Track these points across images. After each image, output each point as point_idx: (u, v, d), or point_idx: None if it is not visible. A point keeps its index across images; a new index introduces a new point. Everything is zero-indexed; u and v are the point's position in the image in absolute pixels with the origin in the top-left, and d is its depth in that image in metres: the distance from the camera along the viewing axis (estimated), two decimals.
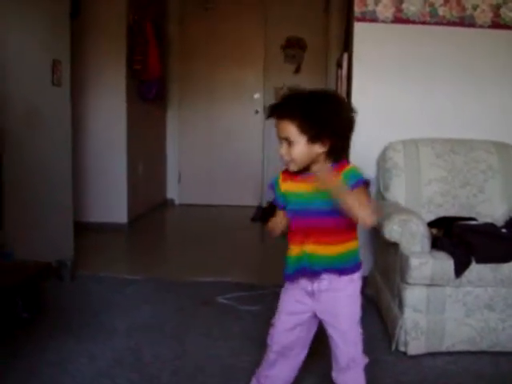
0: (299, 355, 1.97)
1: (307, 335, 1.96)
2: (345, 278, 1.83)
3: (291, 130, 1.69)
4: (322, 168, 1.74)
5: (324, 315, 1.88)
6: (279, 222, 1.87)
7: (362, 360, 1.91)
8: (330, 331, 1.88)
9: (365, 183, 1.73)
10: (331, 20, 6.41)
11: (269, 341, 1.96)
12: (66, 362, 2.44)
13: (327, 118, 1.69)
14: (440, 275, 2.50)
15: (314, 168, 1.76)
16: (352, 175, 1.72)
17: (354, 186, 1.68)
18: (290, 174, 1.82)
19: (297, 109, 1.69)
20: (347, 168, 1.74)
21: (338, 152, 1.76)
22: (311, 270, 1.82)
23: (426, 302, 2.57)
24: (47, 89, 3.44)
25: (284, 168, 1.84)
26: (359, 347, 1.90)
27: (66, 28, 3.62)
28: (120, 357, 2.52)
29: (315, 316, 1.92)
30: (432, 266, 2.49)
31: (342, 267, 1.83)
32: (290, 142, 1.71)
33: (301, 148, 1.70)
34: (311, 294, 1.87)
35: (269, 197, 6.13)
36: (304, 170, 1.78)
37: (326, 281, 1.82)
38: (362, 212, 1.64)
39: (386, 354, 2.63)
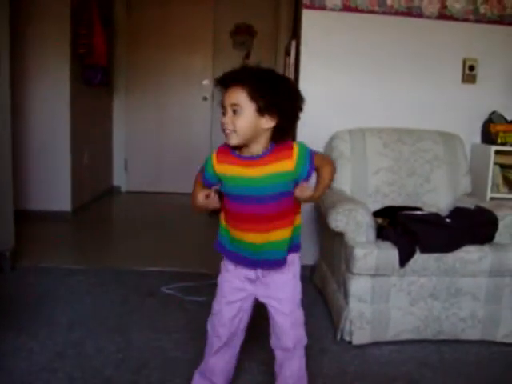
0: (239, 341, 1.98)
1: (247, 320, 1.97)
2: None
3: (241, 95, 1.62)
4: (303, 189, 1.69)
5: (268, 300, 1.89)
6: (205, 199, 1.78)
7: (305, 340, 1.93)
8: (276, 316, 1.88)
9: (313, 155, 1.73)
10: (281, 6, 6.36)
11: (210, 330, 1.95)
12: (4, 357, 2.35)
13: (279, 90, 1.64)
14: (384, 265, 2.51)
15: (254, 147, 1.70)
16: (304, 155, 1.70)
17: (310, 165, 1.71)
18: (226, 156, 1.74)
19: (250, 75, 1.64)
20: (296, 148, 1.70)
21: (283, 132, 1.71)
22: (254, 261, 1.82)
23: (371, 292, 2.58)
24: None
25: (217, 149, 1.77)
26: (303, 328, 1.92)
27: (4, 9, 3.46)
28: (61, 350, 2.45)
29: (254, 300, 1.93)
30: (377, 256, 2.50)
31: (285, 255, 1.82)
32: (236, 111, 1.63)
33: (248, 117, 1.63)
34: (253, 280, 1.87)
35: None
36: (242, 148, 1.71)
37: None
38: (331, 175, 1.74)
39: (331, 343, 2.64)
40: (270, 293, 1.87)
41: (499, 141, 3.42)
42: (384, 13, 3.47)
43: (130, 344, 2.55)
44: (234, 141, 1.67)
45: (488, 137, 3.50)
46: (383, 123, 3.44)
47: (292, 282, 1.88)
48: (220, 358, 1.97)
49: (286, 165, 1.69)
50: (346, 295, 2.65)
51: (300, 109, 1.71)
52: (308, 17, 3.46)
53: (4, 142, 3.51)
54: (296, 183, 1.71)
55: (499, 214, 2.71)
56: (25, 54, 4.74)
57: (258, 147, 1.70)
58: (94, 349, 2.48)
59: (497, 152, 3.39)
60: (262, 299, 1.90)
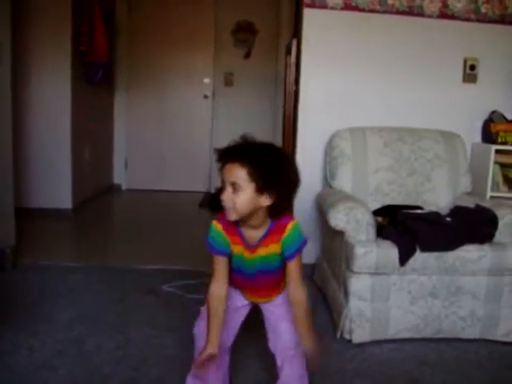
0: (226, 346, 1.98)
1: (235, 323, 1.99)
2: None
3: (240, 174, 1.61)
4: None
5: (271, 312, 1.94)
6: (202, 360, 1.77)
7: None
8: (275, 317, 1.91)
9: (303, 247, 1.77)
10: (282, 5, 6.38)
11: (197, 331, 1.97)
12: (5, 354, 2.36)
13: (278, 170, 1.65)
14: (384, 264, 2.52)
15: (253, 221, 1.73)
16: (295, 238, 1.75)
17: (295, 253, 1.75)
18: (232, 232, 1.78)
19: (250, 154, 1.63)
20: (290, 227, 1.75)
21: (281, 209, 1.72)
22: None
23: (371, 291, 2.58)
24: None
25: (219, 221, 1.79)
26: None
27: (6, 6, 3.47)
28: (62, 348, 2.45)
29: (248, 305, 1.99)
30: (377, 255, 2.50)
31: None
32: (235, 189, 1.63)
33: (246, 196, 1.63)
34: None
35: (217, 183, 6.13)
36: (242, 222, 1.74)
37: None
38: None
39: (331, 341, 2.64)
40: (274, 308, 1.94)
41: (499, 140, 3.43)
42: (385, 12, 3.47)
43: (129, 341, 2.55)
44: (233, 217, 1.69)
45: (488, 136, 3.50)
46: (384, 122, 3.44)
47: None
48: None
49: (275, 247, 1.76)
50: (346, 294, 2.65)
51: (298, 185, 1.73)
52: (309, 15, 3.46)
53: (5, 140, 3.52)
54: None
55: (499, 212, 2.71)
56: (26, 51, 4.74)
57: (257, 221, 1.73)
58: (94, 346, 2.49)
59: (497, 151, 3.39)
60: (265, 312, 1.97)
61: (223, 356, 1.98)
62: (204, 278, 3.33)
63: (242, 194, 1.63)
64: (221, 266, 1.81)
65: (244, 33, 6.74)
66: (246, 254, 1.79)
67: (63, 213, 5.00)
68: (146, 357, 2.41)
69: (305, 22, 3.48)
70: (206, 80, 6.76)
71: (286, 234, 1.74)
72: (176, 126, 6.78)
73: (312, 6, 3.43)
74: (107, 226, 5.24)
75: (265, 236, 1.76)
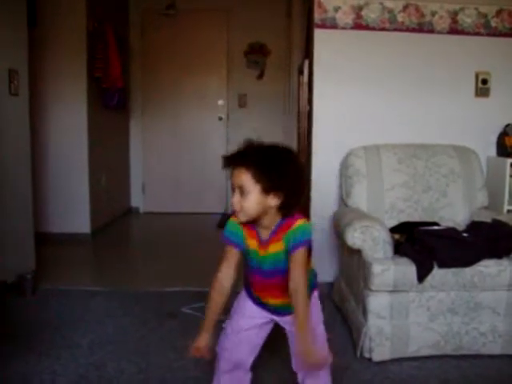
0: (247, 364, 1.98)
1: (257, 341, 1.98)
2: None
3: (246, 177, 1.67)
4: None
5: (289, 324, 1.90)
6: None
7: (330, 358, 1.93)
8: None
9: (307, 243, 1.76)
10: (294, 26, 6.41)
11: (219, 348, 1.97)
12: (28, 380, 2.38)
13: (283, 170, 1.69)
14: (402, 281, 2.51)
15: (264, 222, 1.76)
16: (297, 236, 1.74)
17: (296, 246, 1.73)
18: (249, 227, 1.81)
19: (253, 157, 1.68)
20: (296, 225, 1.75)
21: (289, 207, 1.75)
22: (274, 312, 1.93)
23: (390, 308, 2.58)
24: (4, 99, 3.36)
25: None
26: (326, 345, 1.94)
27: (23, 37, 3.55)
28: (84, 372, 2.47)
29: (270, 322, 1.97)
30: (394, 273, 2.50)
31: None
32: (243, 191, 1.68)
33: (254, 198, 1.68)
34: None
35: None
36: (253, 222, 1.77)
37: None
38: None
39: (351, 360, 2.63)
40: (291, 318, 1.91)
41: None
42: (395, 29, 3.49)
43: (150, 365, 2.56)
44: (243, 219, 1.75)
45: (503, 150, 3.50)
46: (397, 138, 3.45)
47: (313, 306, 1.90)
48: (233, 379, 1.97)
49: (280, 245, 1.78)
50: (364, 312, 2.65)
51: (304, 184, 1.79)
52: (320, 36, 3.50)
53: (25, 167, 3.58)
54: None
55: None
56: (43, 78, 4.83)
57: (268, 220, 1.77)
58: (115, 370, 2.50)
59: None
60: (282, 324, 1.95)
61: (244, 376, 1.99)
62: None
63: (250, 196, 1.68)
64: (231, 254, 1.85)
65: (256, 54, 6.79)
66: (261, 252, 1.81)
67: (82, 237, 5.05)
68: (167, 380, 2.42)
69: (316, 42, 3.51)
70: (220, 102, 6.81)
71: (289, 230, 1.75)
72: (192, 148, 6.83)
73: (322, 26, 3.47)
74: (126, 249, 5.26)
75: (273, 233, 1.78)
